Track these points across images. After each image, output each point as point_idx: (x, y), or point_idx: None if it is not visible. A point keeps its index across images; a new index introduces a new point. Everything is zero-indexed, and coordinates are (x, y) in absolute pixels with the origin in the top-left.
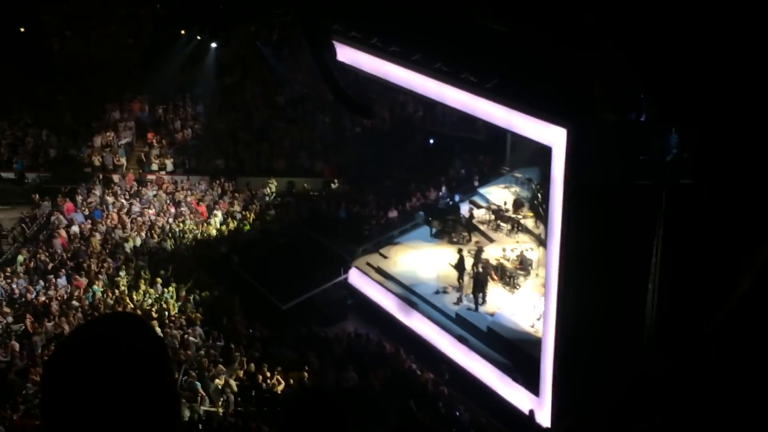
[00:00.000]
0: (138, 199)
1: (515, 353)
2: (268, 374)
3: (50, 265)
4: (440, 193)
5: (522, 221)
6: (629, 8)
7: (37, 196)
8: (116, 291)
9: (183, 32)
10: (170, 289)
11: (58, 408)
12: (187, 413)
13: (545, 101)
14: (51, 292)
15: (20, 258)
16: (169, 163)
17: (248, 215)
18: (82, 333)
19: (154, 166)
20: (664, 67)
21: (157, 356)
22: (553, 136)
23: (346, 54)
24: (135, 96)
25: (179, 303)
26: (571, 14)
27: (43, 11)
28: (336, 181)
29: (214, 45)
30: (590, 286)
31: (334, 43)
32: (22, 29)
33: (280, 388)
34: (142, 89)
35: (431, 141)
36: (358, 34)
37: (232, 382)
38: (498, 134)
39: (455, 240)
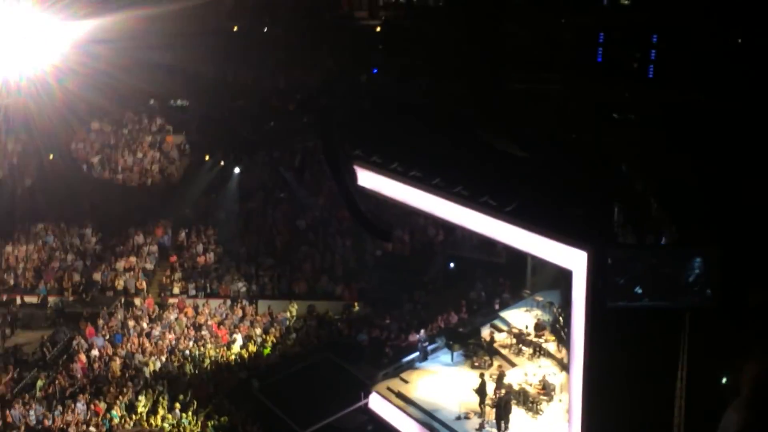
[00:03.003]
0: (159, 323)
1: None
2: None
3: (69, 390)
4: (419, 336)
5: (544, 345)
6: (648, 132)
7: (60, 320)
8: (134, 416)
9: (207, 158)
10: (189, 414)
11: None
12: None
13: (565, 225)
14: (69, 417)
15: (39, 383)
16: (190, 287)
17: (268, 339)
18: None
19: (176, 290)
20: (684, 191)
21: None
22: (574, 260)
23: (367, 179)
24: (159, 220)
25: (198, 429)
26: (591, 138)
27: (74, 140)
28: (357, 304)
29: (237, 170)
30: (614, 411)
31: (356, 167)
32: (51, 156)
33: None
34: (165, 214)
35: (451, 264)
36: (379, 159)
37: None
38: (518, 257)
39: (477, 364)
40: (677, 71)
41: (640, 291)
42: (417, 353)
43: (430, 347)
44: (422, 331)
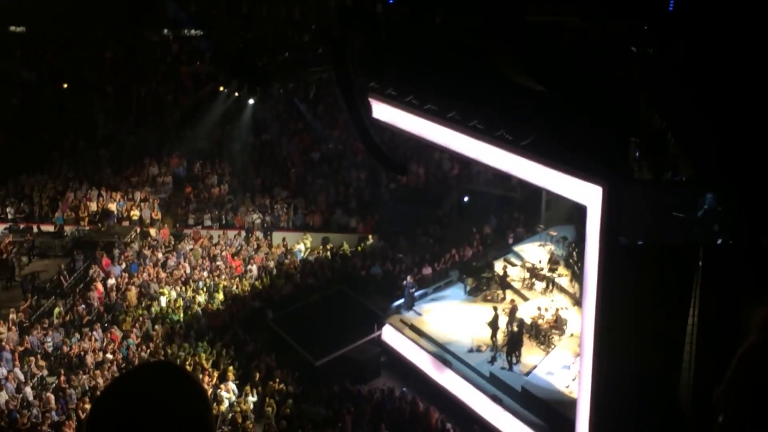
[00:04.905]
0: (174, 253)
1: (550, 414)
2: None
3: (86, 318)
4: (405, 282)
5: (557, 280)
6: (667, 67)
7: (76, 249)
8: (151, 344)
9: (221, 89)
10: (203, 343)
11: None
12: None
13: (581, 159)
14: (86, 345)
15: (57, 310)
16: (205, 218)
17: (282, 271)
18: (125, 382)
19: (191, 221)
20: (701, 126)
21: (199, 407)
22: (589, 195)
23: (382, 111)
24: (173, 151)
25: (213, 357)
26: (608, 73)
27: (86, 68)
28: (371, 237)
29: (251, 102)
30: (626, 346)
31: (370, 100)
32: (65, 85)
33: None
34: (180, 145)
35: (466, 198)
36: (394, 91)
37: None
38: (533, 192)
39: (489, 298)
40: (698, 5)
41: (654, 227)
42: (403, 299)
43: (417, 293)
44: (408, 277)
